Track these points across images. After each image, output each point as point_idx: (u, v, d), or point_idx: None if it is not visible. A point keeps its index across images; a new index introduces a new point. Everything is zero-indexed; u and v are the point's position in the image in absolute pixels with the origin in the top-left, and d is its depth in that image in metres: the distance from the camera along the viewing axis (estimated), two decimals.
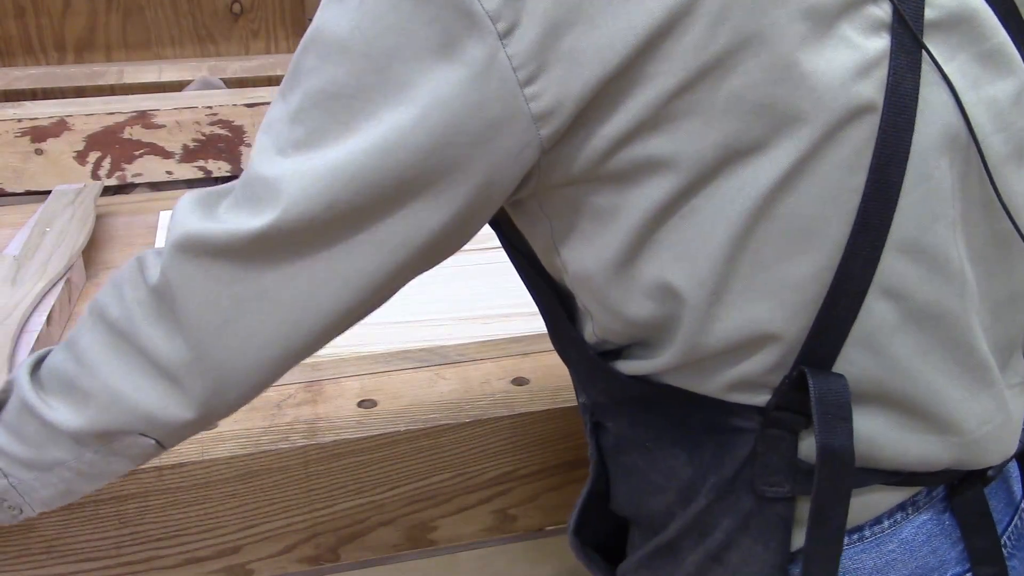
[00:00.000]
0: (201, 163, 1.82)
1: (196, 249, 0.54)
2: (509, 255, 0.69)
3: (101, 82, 2.23)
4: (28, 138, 1.71)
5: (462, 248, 0.58)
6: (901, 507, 0.61)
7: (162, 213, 1.34)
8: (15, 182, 1.74)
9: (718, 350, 0.57)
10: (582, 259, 0.58)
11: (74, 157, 1.75)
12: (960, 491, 0.63)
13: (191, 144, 1.80)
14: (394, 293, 0.58)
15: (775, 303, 0.55)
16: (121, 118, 1.75)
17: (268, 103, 1.80)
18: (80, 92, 2.21)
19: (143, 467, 0.82)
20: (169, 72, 2.24)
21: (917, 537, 0.62)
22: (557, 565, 1.07)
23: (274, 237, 0.52)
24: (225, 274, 0.54)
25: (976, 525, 0.63)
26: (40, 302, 1.02)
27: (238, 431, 0.87)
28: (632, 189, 0.53)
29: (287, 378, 0.94)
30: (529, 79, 0.49)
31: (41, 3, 2.23)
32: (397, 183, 0.51)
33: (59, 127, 1.72)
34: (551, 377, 0.95)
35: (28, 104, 1.80)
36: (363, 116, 0.50)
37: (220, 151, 1.82)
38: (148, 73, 2.23)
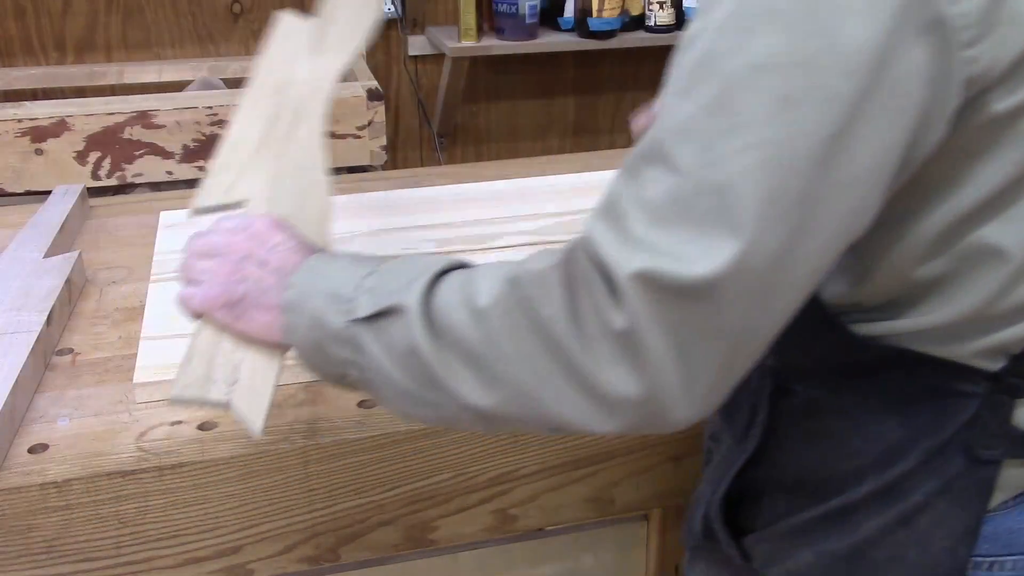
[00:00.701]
0: (201, 163, 1.82)
1: (666, 292, 0.50)
2: None
3: (101, 82, 2.24)
4: (28, 138, 1.71)
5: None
6: None
7: (162, 213, 1.34)
8: (15, 182, 1.74)
9: (1004, 312, 0.59)
10: (897, 221, 0.57)
11: (74, 157, 1.75)
12: None
13: (191, 144, 1.80)
14: None
15: None
16: (121, 118, 1.75)
17: None
18: (80, 92, 2.21)
19: (143, 467, 0.82)
20: (169, 72, 2.24)
21: None
22: (557, 565, 1.07)
23: (744, 264, 0.49)
24: (693, 314, 0.50)
25: None
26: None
27: (238, 431, 0.87)
28: (997, 155, 0.54)
29: (287, 378, 0.94)
30: (971, 42, 0.49)
31: (41, 3, 2.23)
32: (844, 153, 0.49)
33: (59, 127, 1.72)
34: None
35: (28, 104, 1.80)
36: (806, 88, 0.48)
37: None
38: (148, 73, 2.23)
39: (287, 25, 1.06)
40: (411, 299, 0.58)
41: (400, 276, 0.61)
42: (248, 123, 0.92)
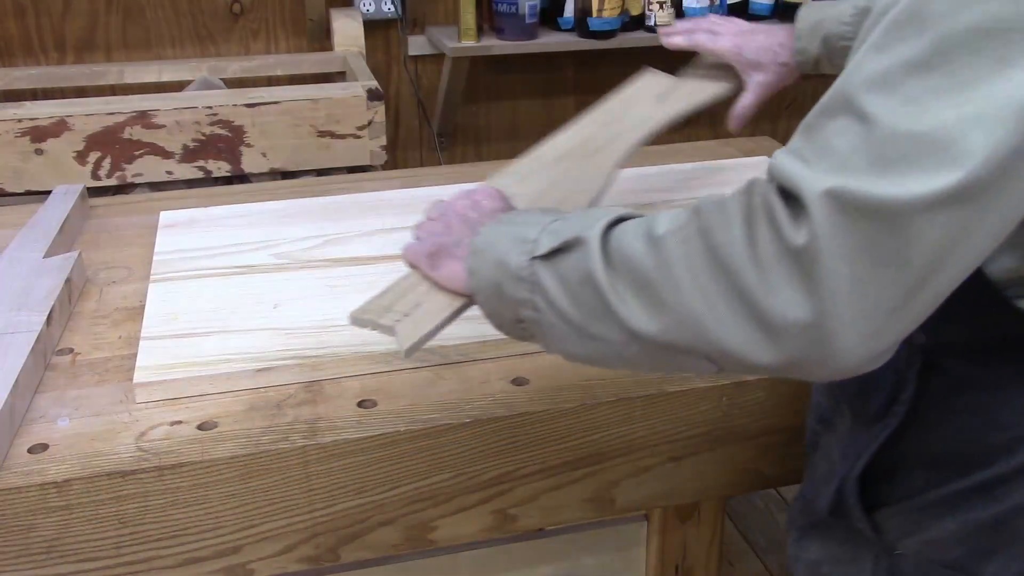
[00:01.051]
0: (201, 163, 1.82)
1: (856, 213, 0.50)
2: None
3: (101, 82, 2.24)
4: (28, 138, 1.71)
5: None
6: None
7: (162, 213, 1.34)
8: (15, 182, 1.74)
9: None
10: None
11: (74, 157, 1.75)
12: None
13: (191, 144, 1.80)
14: None
15: None
16: (121, 118, 1.75)
17: (268, 103, 1.80)
18: (80, 92, 2.21)
19: (143, 467, 0.83)
20: (169, 72, 2.24)
21: None
22: (557, 565, 1.07)
23: (955, 197, 0.49)
24: (879, 239, 0.50)
25: None
26: None
27: (238, 431, 0.87)
28: None
29: (287, 378, 0.95)
30: None
31: (41, 3, 2.23)
32: None
33: (59, 127, 1.72)
34: (551, 377, 0.95)
35: (28, 104, 1.80)
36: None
37: (220, 151, 1.83)
38: (148, 73, 2.23)
39: (648, 77, 1.21)
40: (592, 232, 0.61)
41: (586, 218, 0.63)
42: (563, 141, 1.10)
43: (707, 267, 0.55)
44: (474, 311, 0.94)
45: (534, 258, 0.63)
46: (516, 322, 0.67)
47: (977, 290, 0.63)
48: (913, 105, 0.50)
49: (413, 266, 0.80)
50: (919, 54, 0.50)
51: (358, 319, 0.79)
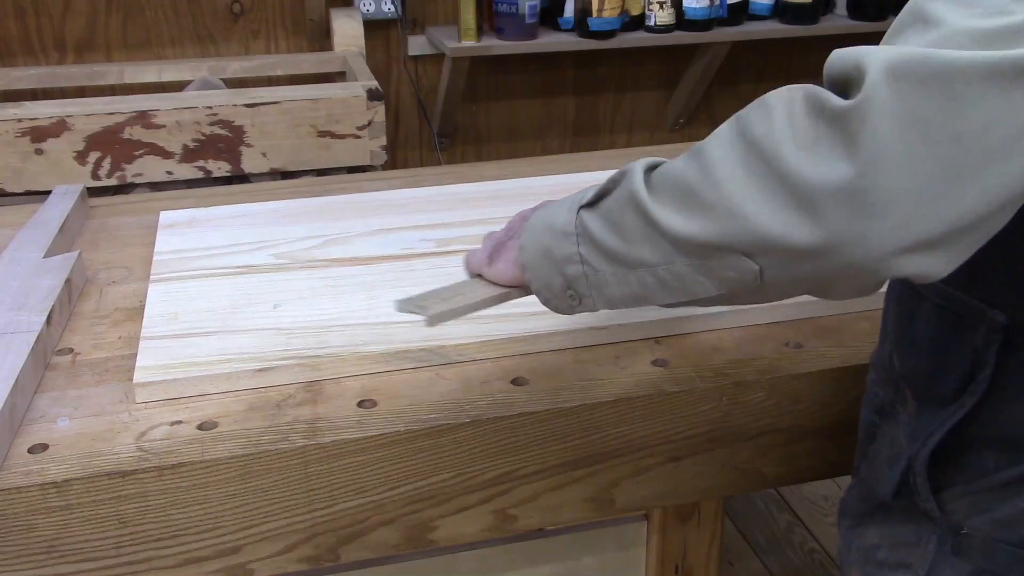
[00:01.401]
0: (201, 163, 1.82)
1: (913, 77, 0.50)
2: None
3: (101, 82, 2.24)
4: (28, 138, 1.71)
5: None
6: None
7: (162, 213, 1.34)
8: (15, 182, 1.74)
9: None
10: None
11: (74, 157, 1.75)
12: None
13: (191, 144, 1.80)
14: None
15: None
16: (121, 118, 1.75)
17: (268, 103, 1.80)
18: (80, 92, 2.22)
19: (143, 467, 0.83)
20: (169, 72, 2.24)
21: None
22: (557, 565, 1.07)
23: (1014, 73, 0.49)
24: (931, 106, 0.49)
25: None
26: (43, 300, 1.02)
27: (238, 431, 0.87)
28: None
29: (287, 378, 0.95)
30: None
31: (41, 3, 2.23)
32: None
33: (59, 127, 1.73)
34: (551, 377, 0.95)
35: (28, 104, 1.80)
36: None
37: (220, 151, 1.83)
38: (148, 73, 2.23)
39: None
40: (635, 166, 0.63)
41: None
42: None
43: (746, 159, 0.55)
44: (474, 312, 0.94)
45: (580, 208, 0.66)
46: (565, 288, 0.68)
47: None
48: (974, 6, 0.50)
49: (474, 273, 0.83)
50: None
51: (401, 307, 0.82)
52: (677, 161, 0.60)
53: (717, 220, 0.56)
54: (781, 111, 0.54)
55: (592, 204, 0.66)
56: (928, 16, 0.52)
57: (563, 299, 0.70)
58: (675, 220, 0.58)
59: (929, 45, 0.51)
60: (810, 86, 0.54)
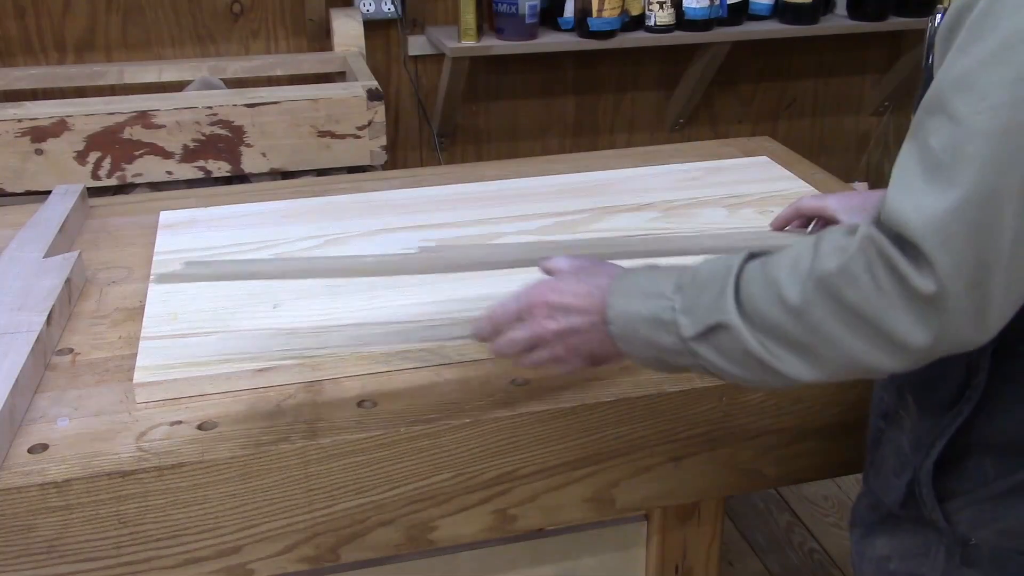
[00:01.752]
0: (201, 163, 1.82)
1: (964, 240, 0.58)
2: None
3: (101, 82, 2.23)
4: (28, 138, 1.71)
5: None
6: None
7: (162, 213, 1.34)
8: (15, 182, 1.74)
9: None
10: None
11: (74, 157, 1.75)
12: None
13: (191, 144, 1.80)
14: None
15: None
16: (121, 118, 1.75)
17: (268, 103, 1.80)
18: (80, 92, 2.21)
19: (143, 467, 0.83)
20: (169, 72, 2.24)
21: None
22: (557, 565, 1.07)
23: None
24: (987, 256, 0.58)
25: None
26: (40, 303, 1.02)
27: (238, 431, 0.87)
28: None
29: (287, 378, 0.95)
30: None
31: (41, 3, 2.23)
32: None
33: (59, 127, 1.72)
34: (551, 377, 0.95)
35: (28, 104, 1.80)
36: None
37: (220, 151, 1.83)
38: (148, 73, 2.23)
39: None
40: (730, 315, 0.68)
41: (706, 291, 0.69)
42: None
43: (851, 322, 0.63)
44: (474, 312, 0.94)
45: (685, 339, 0.70)
46: (684, 369, 0.74)
47: None
48: (985, 101, 0.56)
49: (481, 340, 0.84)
50: (989, 51, 0.56)
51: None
52: (776, 312, 0.66)
53: (837, 367, 0.66)
54: (868, 282, 0.62)
55: (698, 339, 0.70)
56: (950, 110, 0.58)
57: (676, 372, 0.76)
58: (797, 368, 0.67)
59: (950, 146, 0.58)
60: (883, 246, 0.61)
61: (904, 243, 0.60)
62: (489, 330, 0.81)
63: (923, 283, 0.59)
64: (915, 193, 0.60)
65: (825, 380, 0.68)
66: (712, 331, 0.69)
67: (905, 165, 0.61)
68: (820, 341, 0.65)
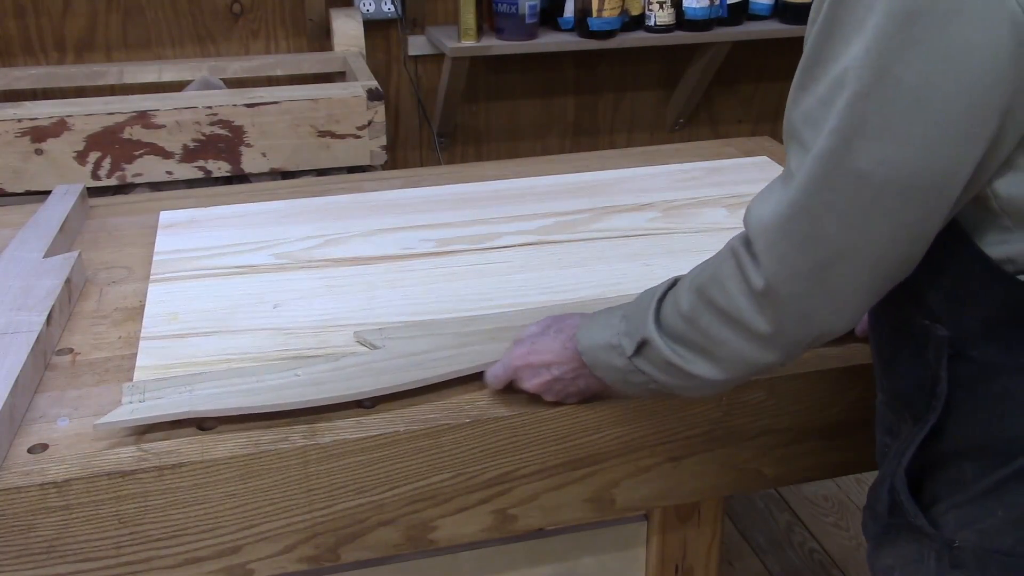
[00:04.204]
0: (201, 163, 1.82)
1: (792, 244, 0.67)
2: None
3: (101, 82, 2.23)
4: (28, 138, 1.71)
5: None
6: None
7: (162, 213, 1.34)
8: (15, 182, 1.74)
9: None
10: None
11: (74, 157, 1.75)
12: None
13: (191, 144, 1.80)
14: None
15: None
16: (121, 118, 1.75)
17: (268, 103, 1.80)
18: (80, 92, 2.21)
19: (143, 467, 0.83)
20: (169, 72, 2.24)
21: None
22: (557, 565, 1.07)
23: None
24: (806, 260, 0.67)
25: None
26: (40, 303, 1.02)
27: (238, 431, 0.87)
28: None
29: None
30: None
31: (41, 3, 2.23)
32: None
33: (59, 127, 1.72)
34: None
35: (28, 104, 1.80)
36: None
37: (220, 151, 1.83)
38: (148, 73, 2.23)
39: None
40: (650, 331, 0.79)
41: (638, 314, 0.81)
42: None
43: (726, 322, 0.73)
44: (474, 312, 0.95)
45: (629, 358, 0.81)
46: (650, 391, 0.83)
47: (983, 272, 0.67)
48: (818, 135, 0.64)
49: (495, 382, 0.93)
50: (823, 94, 0.64)
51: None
52: (678, 323, 0.77)
53: (730, 365, 0.75)
54: (732, 284, 0.72)
55: (636, 354, 0.80)
56: (800, 139, 0.67)
57: (648, 393, 0.84)
58: (708, 370, 0.76)
59: (803, 169, 0.66)
60: (737, 249, 0.71)
61: (748, 243, 0.70)
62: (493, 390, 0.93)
63: (755, 278, 0.69)
64: (761, 201, 0.70)
65: (730, 379, 0.76)
66: (642, 347, 0.80)
67: (772, 182, 0.71)
68: (712, 343, 0.75)
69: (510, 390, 0.92)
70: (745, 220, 0.71)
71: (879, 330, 0.81)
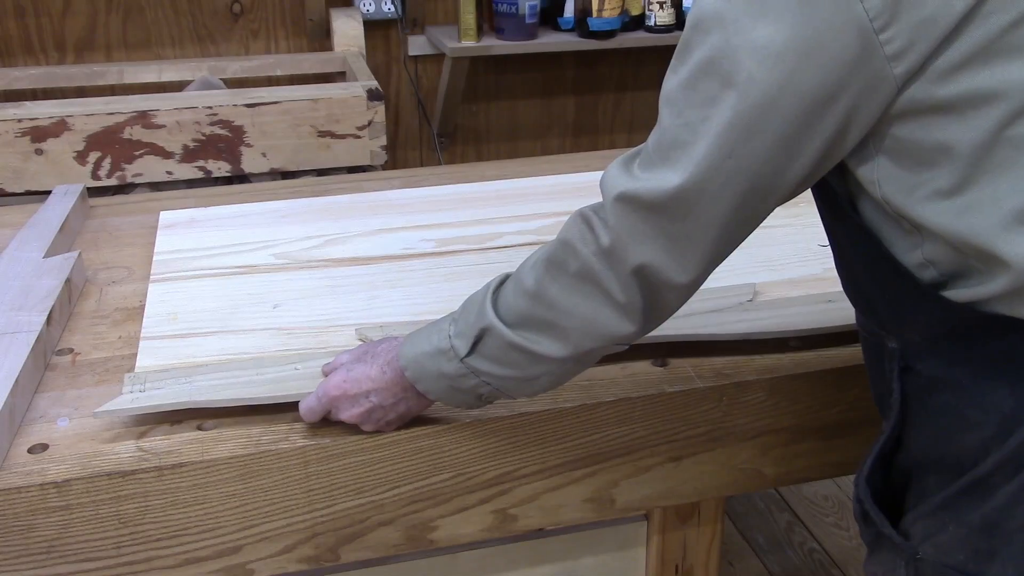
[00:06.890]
0: (201, 163, 1.82)
1: (631, 206, 0.68)
2: (821, 199, 0.75)
3: (101, 82, 2.23)
4: (28, 138, 1.71)
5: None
6: None
7: (162, 213, 1.34)
8: (15, 182, 1.74)
9: None
10: (907, 191, 0.65)
11: (74, 157, 1.75)
12: None
13: (191, 144, 1.80)
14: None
15: None
16: (121, 118, 1.75)
17: (268, 103, 1.80)
18: (80, 92, 2.21)
19: (143, 467, 0.83)
20: (169, 72, 2.24)
21: None
22: (557, 565, 1.07)
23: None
24: (659, 224, 0.68)
25: None
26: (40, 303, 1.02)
27: (238, 431, 0.87)
28: (963, 120, 0.60)
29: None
30: (884, 27, 0.59)
31: (41, 3, 2.23)
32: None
33: (59, 127, 1.72)
34: None
35: (28, 104, 1.80)
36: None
37: (220, 151, 1.83)
38: (148, 73, 2.23)
39: None
40: (489, 319, 0.77)
41: (470, 312, 0.79)
42: None
43: (578, 287, 0.73)
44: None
45: (462, 359, 0.78)
46: (479, 397, 0.82)
47: (910, 288, 0.68)
48: (680, 117, 0.66)
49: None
50: (685, 77, 0.65)
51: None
52: (521, 301, 0.76)
53: (580, 336, 0.75)
54: (581, 245, 0.72)
55: (471, 352, 0.78)
56: (660, 117, 0.68)
57: (480, 403, 0.84)
58: (553, 347, 0.76)
59: (653, 145, 0.69)
60: (591, 216, 0.72)
61: (599, 206, 0.72)
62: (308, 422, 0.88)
63: (603, 235, 0.70)
64: (615, 169, 0.71)
65: (577, 353, 0.76)
66: (479, 340, 0.78)
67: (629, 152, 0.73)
68: (560, 315, 0.74)
69: (326, 422, 0.89)
70: (600, 184, 0.72)
71: (862, 343, 0.80)
